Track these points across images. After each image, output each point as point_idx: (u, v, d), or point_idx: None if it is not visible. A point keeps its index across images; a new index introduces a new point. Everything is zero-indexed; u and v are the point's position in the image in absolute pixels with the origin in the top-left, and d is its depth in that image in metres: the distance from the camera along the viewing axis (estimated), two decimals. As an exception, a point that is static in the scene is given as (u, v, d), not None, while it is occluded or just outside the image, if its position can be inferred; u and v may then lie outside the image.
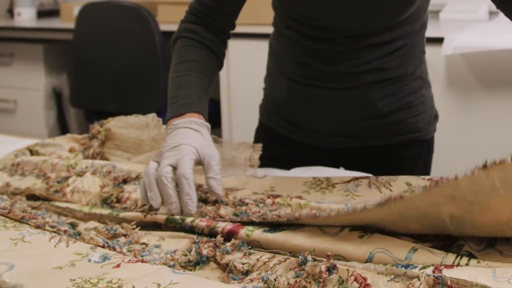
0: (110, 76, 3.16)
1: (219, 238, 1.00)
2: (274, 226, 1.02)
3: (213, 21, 1.37)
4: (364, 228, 0.96)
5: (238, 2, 1.38)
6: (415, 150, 1.49)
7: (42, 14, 4.06)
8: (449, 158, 2.25)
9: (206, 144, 1.17)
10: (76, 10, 3.43)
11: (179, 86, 1.28)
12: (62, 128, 3.66)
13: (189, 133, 1.17)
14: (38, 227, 1.04)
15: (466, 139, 2.48)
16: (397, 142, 1.35)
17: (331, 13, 1.31)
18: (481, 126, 2.46)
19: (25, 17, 3.92)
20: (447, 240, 0.96)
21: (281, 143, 1.51)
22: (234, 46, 2.89)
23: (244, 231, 1.01)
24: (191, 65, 1.31)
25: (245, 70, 2.91)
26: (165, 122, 1.27)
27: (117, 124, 1.47)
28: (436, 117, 1.52)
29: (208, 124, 1.22)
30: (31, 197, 1.28)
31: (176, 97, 1.26)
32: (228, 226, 1.03)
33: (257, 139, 1.58)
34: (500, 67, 2.33)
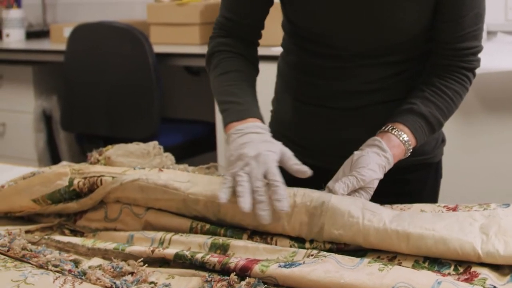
0: (102, 98, 3.11)
1: (233, 276, 0.97)
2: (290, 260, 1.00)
3: (241, 33, 1.41)
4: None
5: (259, 13, 1.42)
6: (421, 173, 1.48)
7: (31, 35, 4.02)
8: (453, 182, 2.22)
9: (276, 146, 1.22)
10: (66, 31, 3.39)
11: (231, 94, 1.32)
12: (52, 151, 3.61)
13: (260, 138, 1.22)
14: (40, 266, 0.99)
15: (469, 162, 2.46)
16: (403, 165, 1.32)
17: (339, 31, 1.32)
18: (484, 149, 2.44)
19: (14, 38, 3.88)
20: (467, 273, 0.97)
21: None
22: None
23: (258, 267, 0.98)
24: (236, 75, 1.36)
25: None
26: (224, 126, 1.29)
27: (116, 152, 1.43)
28: (443, 140, 1.52)
29: (268, 128, 1.27)
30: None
31: (231, 103, 1.31)
32: (241, 261, 1.00)
33: None
34: (502, 88, 2.32)
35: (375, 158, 1.23)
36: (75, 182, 1.27)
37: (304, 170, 1.19)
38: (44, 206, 1.29)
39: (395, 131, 1.28)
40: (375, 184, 1.21)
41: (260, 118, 1.29)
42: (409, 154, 1.29)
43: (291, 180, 1.35)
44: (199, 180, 1.21)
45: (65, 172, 1.29)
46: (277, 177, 1.13)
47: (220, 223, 1.16)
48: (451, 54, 1.32)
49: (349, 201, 1.10)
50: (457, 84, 1.33)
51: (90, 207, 1.27)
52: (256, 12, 1.41)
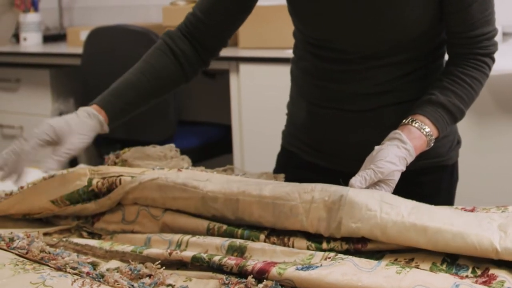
0: (119, 101, 3.11)
1: (250, 279, 0.96)
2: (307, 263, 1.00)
3: (199, 34, 1.42)
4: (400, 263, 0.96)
5: (229, 21, 1.42)
6: (436, 176, 1.47)
7: (48, 38, 4.04)
8: (470, 184, 2.21)
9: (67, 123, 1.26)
10: (83, 35, 3.41)
11: (117, 82, 1.39)
12: (70, 154, 3.61)
13: (65, 116, 1.28)
14: (59, 269, 1.00)
15: (485, 164, 2.44)
16: (417, 167, 1.32)
17: (345, 36, 1.33)
18: (501, 151, 2.42)
19: (31, 42, 3.89)
20: (485, 276, 0.95)
21: (303, 168, 1.50)
22: (245, 71, 2.86)
23: (275, 269, 0.98)
24: (139, 65, 1.40)
25: (256, 95, 2.87)
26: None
27: (134, 155, 1.44)
28: (458, 142, 1.50)
29: (97, 115, 1.30)
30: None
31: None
32: (259, 264, 1.00)
33: (279, 164, 1.59)
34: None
35: (395, 151, 1.22)
36: (94, 182, 1.28)
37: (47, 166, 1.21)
38: (63, 207, 1.29)
39: (415, 123, 1.27)
40: (396, 176, 1.21)
41: (101, 105, 1.32)
42: (432, 144, 1.29)
43: (304, 181, 1.36)
44: (217, 179, 1.22)
45: (84, 173, 1.30)
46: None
47: (238, 222, 1.16)
48: (465, 42, 1.32)
49: (367, 194, 1.10)
50: (475, 71, 1.32)
51: (108, 208, 1.28)
52: (226, 19, 1.41)
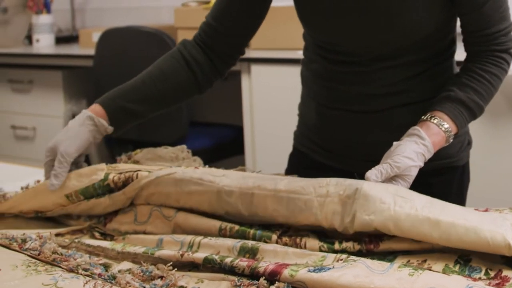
0: (131, 102, 3.12)
1: (262, 281, 0.96)
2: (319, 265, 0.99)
3: (212, 42, 1.42)
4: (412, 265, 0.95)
5: (240, 28, 1.42)
6: (446, 177, 1.46)
7: (61, 40, 4.06)
8: (481, 186, 2.20)
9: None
10: (95, 36, 3.42)
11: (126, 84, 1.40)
12: (82, 155, 3.62)
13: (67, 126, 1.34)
14: (71, 270, 1.00)
15: (497, 165, 2.43)
16: (426, 168, 1.31)
17: (350, 38, 1.34)
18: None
19: (44, 43, 3.91)
20: (498, 278, 0.95)
21: (314, 168, 1.50)
22: (256, 72, 2.86)
23: (287, 271, 0.97)
24: (149, 69, 1.40)
25: (268, 96, 2.87)
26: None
27: (145, 156, 1.44)
28: (469, 143, 1.50)
29: (92, 117, 1.33)
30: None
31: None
32: (271, 266, 0.99)
33: (290, 165, 1.59)
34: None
35: (413, 146, 1.22)
36: (110, 177, 1.28)
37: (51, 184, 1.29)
38: (76, 202, 1.29)
39: (434, 119, 1.27)
40: (413, 172, 1.20)
41: (101, 103, 1.35)
42: (451, 140, 1.29)
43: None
44: (234, 175, 1.22)
45: (101, 168, 1.30)
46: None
47: (251, 218, 1.16)
48: (482, 40, 1.31)
49: (381, 187, 1.09)
50: (494, 67, 1.31)
51: (122, 205, 1.27)
52: (237, 25, 1.41)
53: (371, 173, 1.17)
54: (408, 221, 1.02)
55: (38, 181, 1.36)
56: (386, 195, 1.06)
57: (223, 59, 1.44)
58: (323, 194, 1.11)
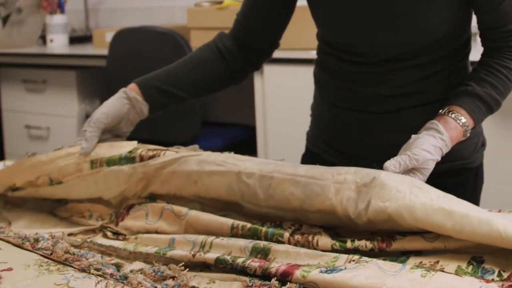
0: (144, 102, 3.13)
1: (274, 281, 0.96)
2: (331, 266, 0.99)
3: (243, 37, 1.48)
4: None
5: (268, 24, 1.47)
6: (459, 179, 1.45)
7: (74, 40, 4.07)
8: (495, 187, 2.18)
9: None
10: (108, 36, 3.42)
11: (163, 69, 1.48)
12: (95, 154, 3.63)
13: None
14: (83, 270, 1.00)
15: (511, 167, 2.41)
16: (440, 170, 1.30)
17: (364, 39, 1.34)
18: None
19: (57, 43, 3.92)
20: (511, 279, 0.94)
21: None
22: (269, 71, 2.85)
23: (299, 272, 0.97)
24: (183, 58, 1.49)
25: (281, 96, 2.87)
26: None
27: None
28: (483, 144, 1.49)
29: (131, 93, 1.42)
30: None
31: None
32: (282, 266, 0.99)
33: None
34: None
35: (431, 140, 1.22)
36: (139, 151, 1.31)
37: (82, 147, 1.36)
38: (98, 169, 1.32)
39: (451, 113, 1.27)
40: (431, 166, 1.21)
41: (138, 84, 1.43)
42: (468, 135, 1.29)
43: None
44: (256, 160, 1.24)
45: (133, 143, 1.35)
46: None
47: (266, 202, 1.17)
48: (499, 37, 1.31)
49: (398, 177, 1.09)
50: (511, 62, 1.31)
51: (138, 180, 1.29)
52: (263, 22, 1.47)
53: (390, 163, 1.17)
54: (422, 210, 1.01)
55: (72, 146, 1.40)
56: (403, 184, 1.07)
57: (255, 53, 1.50)
58: (341, 181, 1.11)
